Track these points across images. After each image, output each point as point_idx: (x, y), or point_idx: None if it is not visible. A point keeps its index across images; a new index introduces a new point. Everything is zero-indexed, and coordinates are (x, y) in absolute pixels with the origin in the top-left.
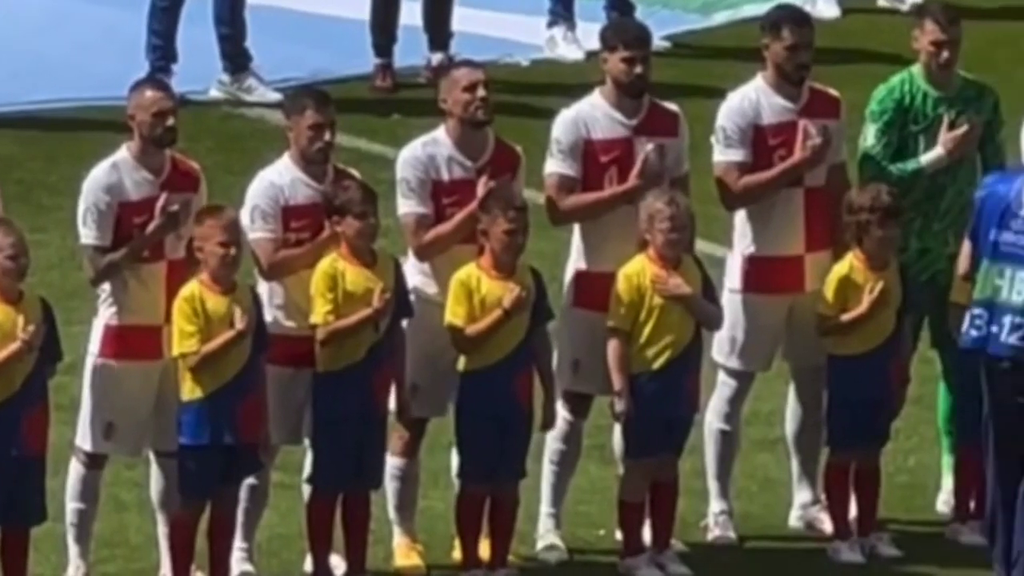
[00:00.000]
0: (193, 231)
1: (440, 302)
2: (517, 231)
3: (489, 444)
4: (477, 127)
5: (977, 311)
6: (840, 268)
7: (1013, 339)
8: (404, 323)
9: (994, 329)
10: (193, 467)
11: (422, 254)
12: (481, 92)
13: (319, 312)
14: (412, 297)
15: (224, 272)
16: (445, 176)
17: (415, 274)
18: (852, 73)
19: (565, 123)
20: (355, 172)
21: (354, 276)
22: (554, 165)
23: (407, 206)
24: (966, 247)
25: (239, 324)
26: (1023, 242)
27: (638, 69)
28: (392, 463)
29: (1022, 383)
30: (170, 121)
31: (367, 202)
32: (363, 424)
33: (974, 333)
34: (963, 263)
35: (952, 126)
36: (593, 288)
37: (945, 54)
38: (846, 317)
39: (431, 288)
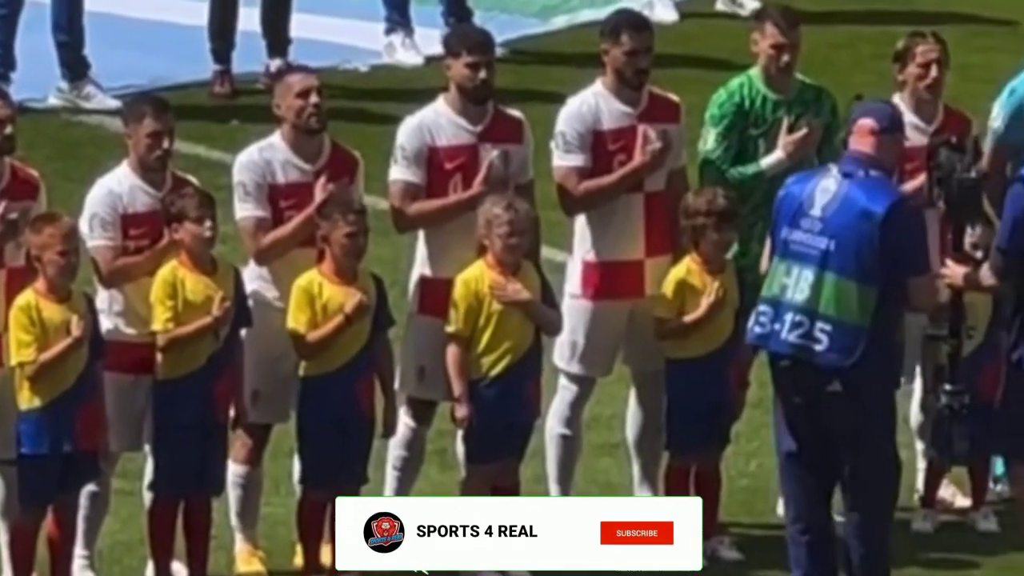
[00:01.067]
0: (30, 239)
1: (279, 307)
2: (357, 235)
3: (330, 450)
4: (310, 134)
5: (763, 308)
6: (677, 271)
7: (792, 337)
8: (243, 331)
9: (776, 327)
10: (32, 476)
11: (261, 258)
12: (314, 99)
13: (159, 319)
14: (251, 302)
15: (62, 280)
16: (281, 179)
17: (254, 279)
18: (691, 77)
19: (409, 130)
20: (194, 179)
21: (194, 284)
22: (398, 172)
23: (244, 210)
24: (767, 246)
25: (75, 331)
26: (811, 241)
27: (482, 74)
28: (234, 470)
29: (800, 382)
30: (8, 129)
31: (205, 208)
32: (203, 431)
33: (758, 330)
34: (764, 262)
35: (791, 129)
36: (437, 295)
37: (785, 57)
38: (685, 320)
39: (270, 292)
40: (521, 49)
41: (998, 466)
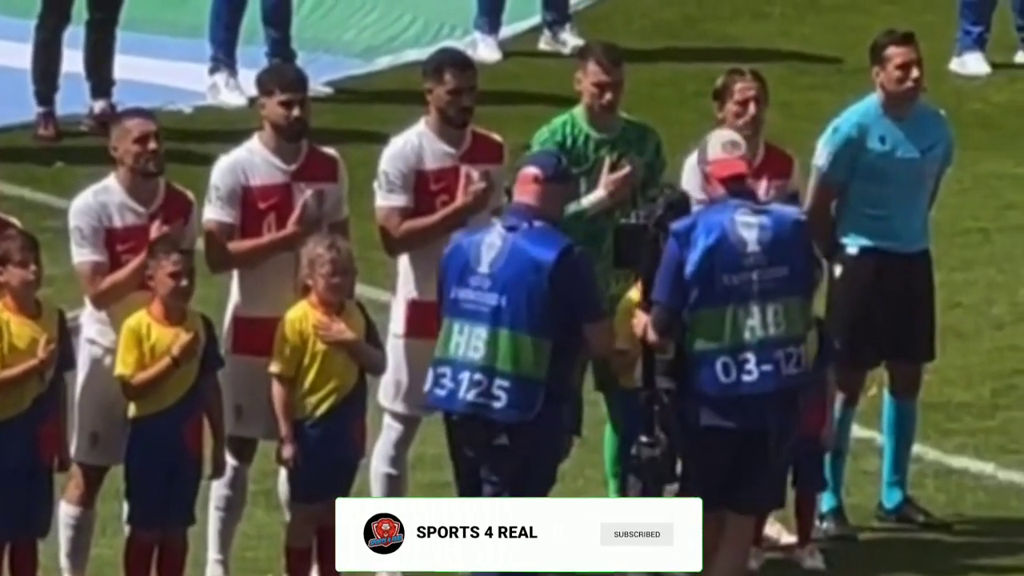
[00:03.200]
0: None
1: (116, 350)
2: (180, 274)
3: (158, 490)
4: (147, 177)
5: (441, 369)
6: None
7: (471, 396)
8: (81, 374)
9: (452, 386)
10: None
11: (99, 302)
12: (152, 144)
13: None
14: (89, 346)
15: None
16: (118, 223)
17: (92, 323)
18: (515, 115)
19: (223, 170)
20: (17, 221)
21: (19, 327)
22: (212, 212)
23: (81, 255)
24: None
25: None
26: (481, 299)
27: (296, 112)
28: (66, 511)
29: (473, 436)
30: None
31: (28, 250)
32: (28, 473)
33: (439, 392)
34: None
35: (614, 168)
36: (251, 333)
37: (608, 96)
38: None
39: (108, 336)
40: (345, 88)
41: (824, 502)
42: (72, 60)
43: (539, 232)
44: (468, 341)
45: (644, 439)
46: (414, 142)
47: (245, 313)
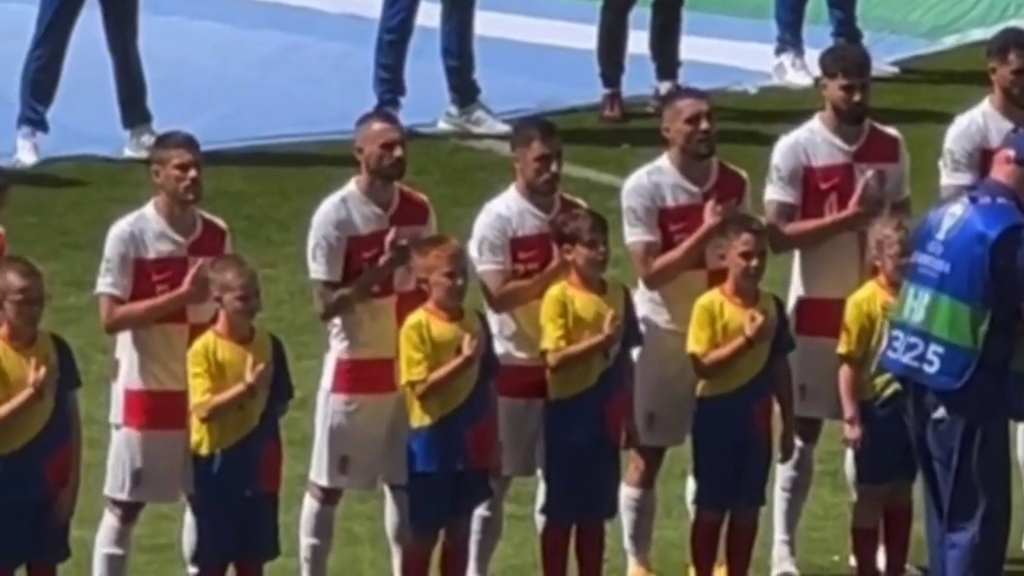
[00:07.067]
0: (417, 262)
1: (671, 329)
2: (751, 254)
3: (727, 471)
4: (698, 159)
5: (894, 332)
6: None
7: (907, 358)
8: (635, 352)
9: (897, 346)
10: (423, 496)
11: (651, 282)
12: (704, 125)
13: (550, 337)
14: (643, 326)
15: (451, 302)
16: (671, 203)
17: (645, 302)
18: None
19: (784, 150)
20: (582, 202)
21: (584, 303)
22: (774, 192)
23: (634, 235)
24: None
25: (467, 350)
26: (933, 264)
27: (857, 97)
28: (628, 493)
29: (915, 405)
30: (398, 152)
31: (597, 231)
32: (596, 452)
33: (890, 354)
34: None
35: None
36: (814, 314)
37: None
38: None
39: (661, 316)
40: (910, 68)
41: None
42: (638, 41)
43: (996, 208)
44: (915, 304)
45: None
46: (979, 121)
47: (806, 294)
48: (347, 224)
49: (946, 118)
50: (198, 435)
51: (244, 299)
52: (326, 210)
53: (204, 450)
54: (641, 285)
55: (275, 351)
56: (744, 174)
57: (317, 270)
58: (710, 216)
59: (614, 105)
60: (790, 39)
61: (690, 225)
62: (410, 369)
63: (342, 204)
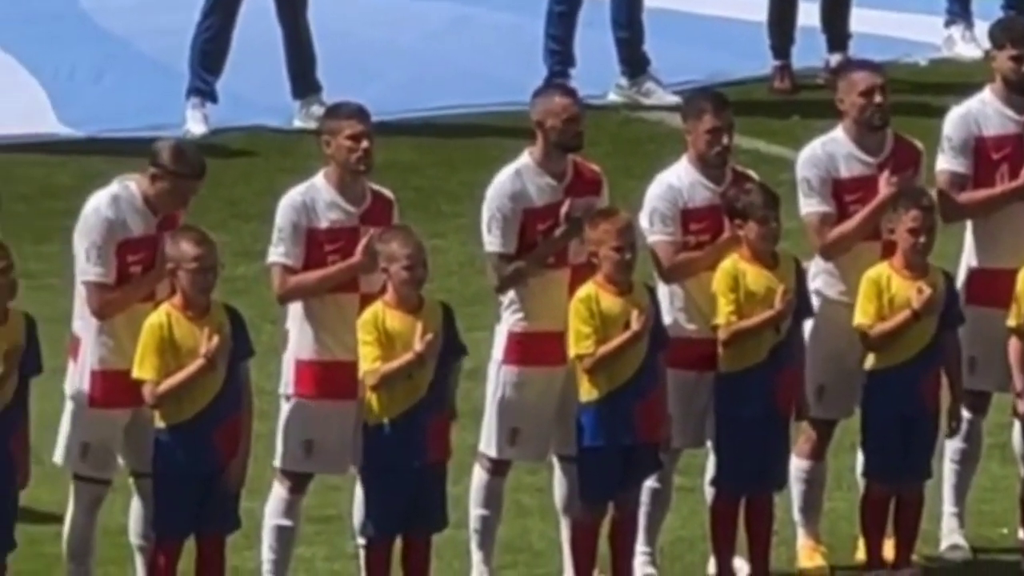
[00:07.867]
0: (588, 235)
1: (844, 301)
2: (919, 231)
3: (895, 444)
4: (874, 131)
5: None
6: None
7: None
8: (808, 324)
9: None
10: (593, 469)
11: (827, 253)
12: (878, 98)
13: (722, 312)
14: (816, 298)
15: (620, 275)
16: (845, 173)
17: (819, 274)
18: None
19: (956, 120)
20: (754, 174)
21: (755, 276)
22: (945, 162)
23: (809, 205)
24: None
25: (635, 325)
26: None
27: None
28: (798, 465)
29: None
30: (580, 127)
31: (768, 206)
32: (767, 424)
33: None
34: None
35: None
36: (985, 284)
37: None
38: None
39: (835, 287)
40: None
41: None
42: (809, 13)
43: None
44: None
45: None
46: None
47: (978, 264)
48: (522, 196)
49: None
50: (367, 405)
51: (410, 268)
52: (501, 182)
53: (372, 420)
54: (816, 256)
55: (445, 314)
56: (920, 145)
57: (492, 242)
58: (885, 187)
59: (784, 77)
60: (959, 11)
61: (865, 196)
62: (578, 343)
63: (517, 176)
